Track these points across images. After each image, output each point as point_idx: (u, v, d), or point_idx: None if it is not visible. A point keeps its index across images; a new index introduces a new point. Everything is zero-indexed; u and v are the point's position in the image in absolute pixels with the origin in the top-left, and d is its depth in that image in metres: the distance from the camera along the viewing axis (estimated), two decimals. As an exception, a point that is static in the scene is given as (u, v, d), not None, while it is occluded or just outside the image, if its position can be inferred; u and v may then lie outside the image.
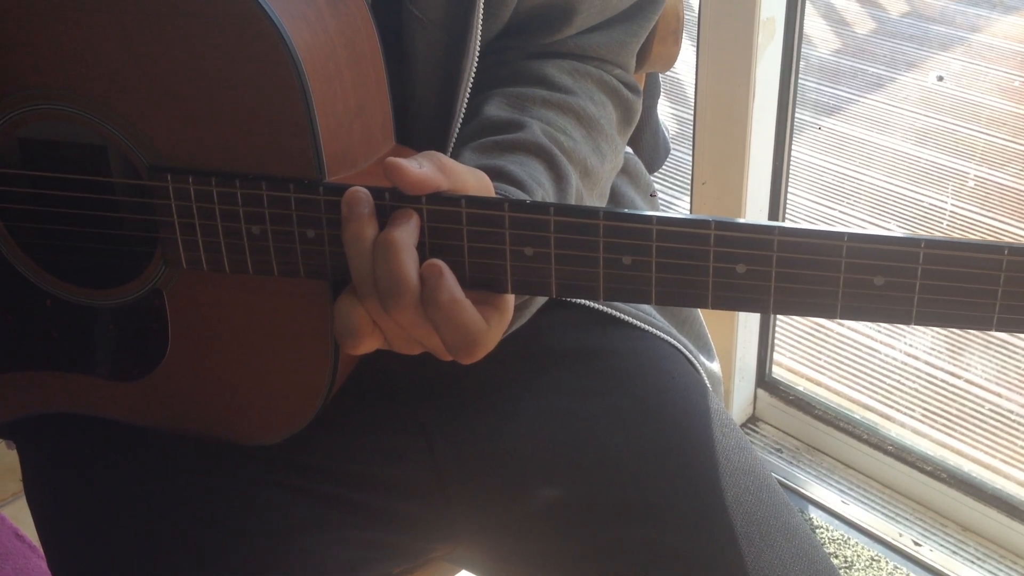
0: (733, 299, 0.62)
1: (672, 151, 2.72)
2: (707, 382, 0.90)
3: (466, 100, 0.77)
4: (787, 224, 0.60)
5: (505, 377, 0.83)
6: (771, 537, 0.77)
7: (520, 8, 0.80)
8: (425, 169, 0.64)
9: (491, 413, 0.82)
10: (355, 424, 0.82)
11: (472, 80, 0.77)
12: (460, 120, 0.78)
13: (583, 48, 0.83)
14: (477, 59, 0.76)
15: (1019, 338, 1.96)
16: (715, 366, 0.96)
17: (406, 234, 0.63)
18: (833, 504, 1.62)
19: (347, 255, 0.64)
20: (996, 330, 0.59)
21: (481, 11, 0.75)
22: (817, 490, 1.65)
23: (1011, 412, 1.80)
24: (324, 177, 0.66)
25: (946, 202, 2.36)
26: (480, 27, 0.75)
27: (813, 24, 3.21)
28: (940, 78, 2.87)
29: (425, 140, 0.78)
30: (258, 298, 0.71)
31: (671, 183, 2.46)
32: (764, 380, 1.78)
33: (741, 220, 0.61)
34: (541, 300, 0.78)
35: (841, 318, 0.60)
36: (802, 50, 3.09)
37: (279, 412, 0.75)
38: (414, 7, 0.75)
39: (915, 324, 0.60)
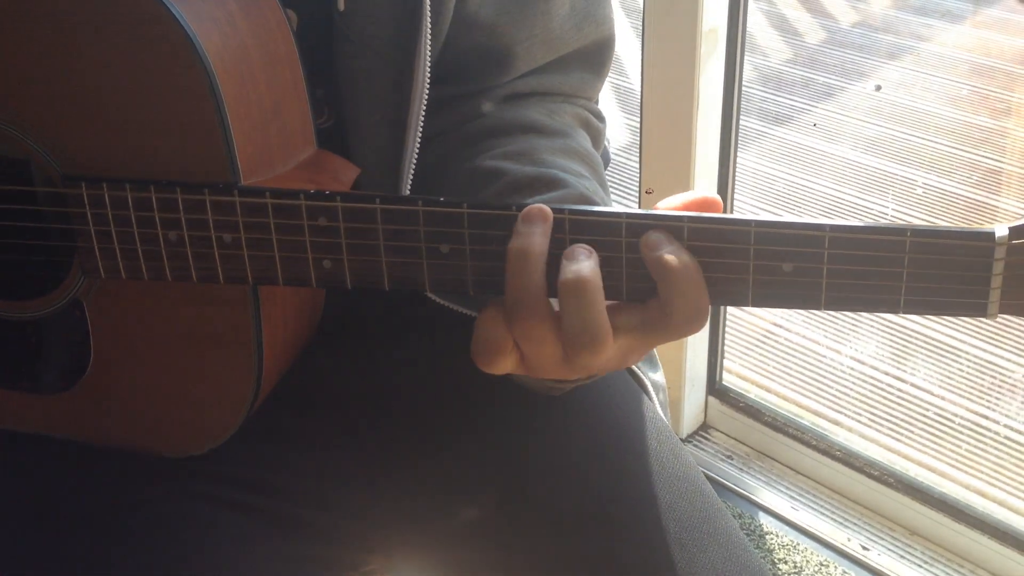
0: (647, 290, 0.62)
1: (627, 160, 2.71)
2: (650, 390, 0.90)
3: (420, 131, 0.76)
4: (695, 213, 0.60)
5: (442, 391, 0.83)
6: (703, 542, 0.77)
7: (459, 48, 0.79)
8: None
9: (426, 424, 0.82)
10: (288, 436, 0.81)
11: (424, 110, 0.75)
12: (416, 151, 0.76)
13: (546, 87, 0.83)
14: (428, 89, 0.75)
15: (963, 342, 1.98)
16: (658, 375, 0.96)
17: (597, 275, 0.61)
18: (783, 510, 1.63)
19: (507, 269, 0.62)
20: (904, 312, 0.60)
21: (429, 39, 0.74)
22: (767, 496, 1.65)
23: (956, 416, 1.82)
24: (239, 180, 0.65)
25: (888, 207, 2.39)
26: (429, 56, 0.74)
27: (765, 34, 3.24)
28: (878, 87, 2.90)
29: (375, 165, 0.77)
30: (180, 307, 0.71)
31: (623, 191, 2.47)
32: (715, 387, 1.78)
33: (653, 211, 0.61)
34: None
35: (753, 305, 0.61)
36: (754, 60, 3.11)
37: (204, 423, 0.74)
38: (348, 30, 0.74)
39: (826, 309, 0.61)
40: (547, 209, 0.62)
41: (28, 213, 0.70)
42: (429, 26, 0.74)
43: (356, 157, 0.77)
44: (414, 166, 0.77)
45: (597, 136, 0.86)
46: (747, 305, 0.61)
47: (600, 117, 0.87)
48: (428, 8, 0.73)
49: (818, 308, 0.61)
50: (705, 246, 0.61)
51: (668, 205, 0.62)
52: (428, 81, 0.75)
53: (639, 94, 1.58)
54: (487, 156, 0.78)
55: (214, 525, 0.76)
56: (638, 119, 1.60)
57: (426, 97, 0.75)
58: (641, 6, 1.54)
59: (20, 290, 0.72)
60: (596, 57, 0.85)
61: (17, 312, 0.73)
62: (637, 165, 1.67)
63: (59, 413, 0.76)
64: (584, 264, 0.61)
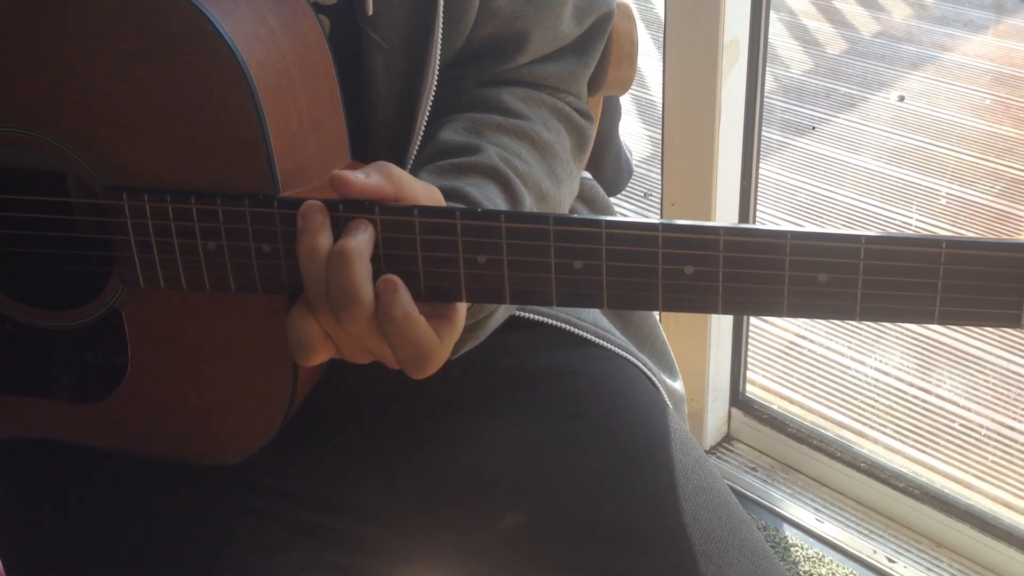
0: (683, 300, 0.63)
1: (648, 171, 2.72)
2: (668, 401, 0.90)
3: (424, 123, 0.78)
4: (732, 224, 0.61)
5: (466, 398, 0.83)
6: (729, 555, 0.77)
7: (475, 36, 0.81)
8: (372, 179, 0.65)
9: (452, 436, 0.83)
10: (317, 448, 0.82)
11: (430, 104, 0.78)
12: (418, 142, 0.79)
13: (536, 77, 0.84)
14: (436, 84, 0.78)
15: (988, 353, 1.98)
16: (677, 384, 0.97)
17: (360, 245, 0.64)
18: (808, 522, 1.62)
19: (301, 267, 0.65)
20: (938, 323, 0.61)
21: (440, 37, 0.77)
22: (792, 508, 1.65)
23: (981, 427, 1.81)
24: (279, 192, 0.66)
25: (911, 217, 2.38)
26: (439, 52, 0.77)
27: (786, 45, 3.24)
28: (901, 98, 2.90)
29: (383, 156, 0.78)
30: (216, 316, 0.71)
31: (645, 202, 2.48)
32: (738, 399, 1.78)
33: (688, 222, 0.62)
34: (495, 322, 0.78)
35: (788, 315, 0.61)
36: (776, 71, 3.10)
37: (239, 430, 0.75)
38: (373, 32, 0.77)
39: (860, 319, 0.61)
40: (319, 204, 0.64)
41: (68, 224, 0.71)
42: (441, 29, 0.76)
43: (368, 149, 0.78)
44: (412, 163, 0.79)
45: (580, 132, 0.87)
46: (781, 315, 0.62)
47: (586, 115, 0.88)
48: (441, 14, 0.76)
49: (853, 319, 0.61)
50: (740, 257, 0.61)
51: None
52: (436, 78, 0.77)
53: (660, 106, 1.59)
54: (440, 125, 0.80)
55: (244, 534, 0.77)
56: (659, 131, 1.61)
57: (433, 92, 0.77)
58: (662, 18, 1.55)
59: (58, 300, 0.73)
60: (588, 42, 0.86)
61: (56, 322, 0.74)
62: (658, 176, 1.67)
63: (95, 422, 0.77)
64: (352, 237, 0.64)
